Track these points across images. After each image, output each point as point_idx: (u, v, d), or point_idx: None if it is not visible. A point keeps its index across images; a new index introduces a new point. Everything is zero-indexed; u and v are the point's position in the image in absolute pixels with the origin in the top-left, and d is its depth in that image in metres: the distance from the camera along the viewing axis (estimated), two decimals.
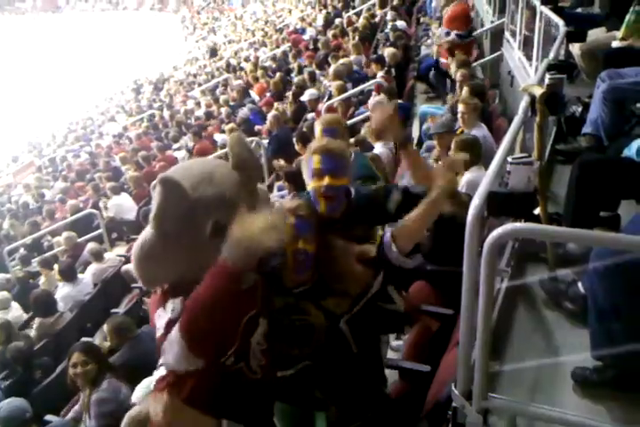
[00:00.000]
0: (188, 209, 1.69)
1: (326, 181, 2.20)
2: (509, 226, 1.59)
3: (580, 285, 2.26)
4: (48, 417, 3.51)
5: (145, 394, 2.75)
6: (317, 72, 10.56)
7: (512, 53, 6.27)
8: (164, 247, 1.70)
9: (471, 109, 4.61)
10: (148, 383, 2.81)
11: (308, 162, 2.26)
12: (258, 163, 2.01)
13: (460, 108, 4.67)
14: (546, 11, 4.82)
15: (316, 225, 2.14)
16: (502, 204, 1.90)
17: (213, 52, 20.92)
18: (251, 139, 8.09)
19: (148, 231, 1.75)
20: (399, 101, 6.76)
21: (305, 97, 8.63)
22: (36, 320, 5.47)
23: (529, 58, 5.35)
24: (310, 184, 2.27)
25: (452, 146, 4.04)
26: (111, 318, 4.41)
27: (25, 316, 6.26)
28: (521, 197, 2.08)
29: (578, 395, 1.88)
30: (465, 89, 5.11)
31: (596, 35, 4.59)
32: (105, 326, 4.12)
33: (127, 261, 6.54)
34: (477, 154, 3.99)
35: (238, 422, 2.03)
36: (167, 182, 1.69)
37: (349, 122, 7.24)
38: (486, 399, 1.77)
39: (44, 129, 21.25)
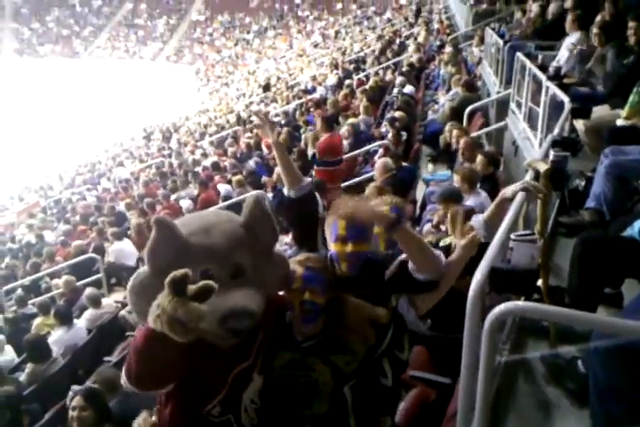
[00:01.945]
0: (180, 252, 1.80)
1: (350, 248, 2.25)
2: (511, 304, 1.61)
3: (580, 363, 2.25)
4: None
5: None
6: None
7: (517, 124, 6.42)
8: (154, 284, 1.75)
9: (467, 177, 4.71)
10: None
11: (333, 225, 2.29)
12: (270, 224, 2.06)
13: (457, 175, 4.79)
14: (551, 86, 4.97)
15: (327, 279, 2.18)
16: (504, 280, 1.92)
17: (267, 87, 20.98)
18: (254, 192, 8.19)
19: (143, 268, 1.87)
20: (404, 164, 6.88)
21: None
22: (29, 365, 5.38)
23: (534, 129, 5.47)
24: (333, 247, 2.31)
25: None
26: (100, 371, 4.35)
27: (17, 359, 6.18)
28: (523, 274, 2.11)
29: None
30: (479, 157, 5.22)
31: (600, 112, 4.72)
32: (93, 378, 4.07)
33: (124, 307, 6.50)
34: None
35: None
36: (160, 223, 1.81)
37: (355, 180, 7.38)
38: None
39: (52, 171, 21.50)
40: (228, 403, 2.00)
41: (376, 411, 2.41)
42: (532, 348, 2.48)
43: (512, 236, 2.24)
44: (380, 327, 2.23)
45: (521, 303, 1.66)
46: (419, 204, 6.64)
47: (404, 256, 2.24)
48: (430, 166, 7.89)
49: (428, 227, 5.08)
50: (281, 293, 2.24)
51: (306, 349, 2.23)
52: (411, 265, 2.14)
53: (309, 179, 2.77)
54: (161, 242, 1.80)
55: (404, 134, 8.25)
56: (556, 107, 4.94)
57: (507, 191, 2.65)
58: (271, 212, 2.10)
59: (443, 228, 4.91)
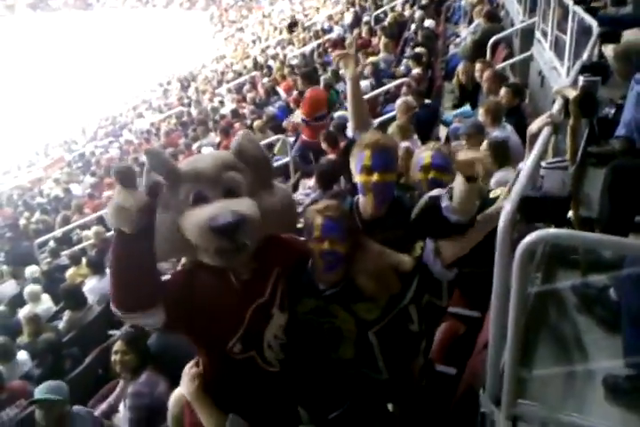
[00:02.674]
0: (172, 180, 1.85)
1: (375, 177, 2.22)
2: (544, 232, 1.57)
3: (612, 291, 2.23)
4: (75, 408, 3.54)
5: None
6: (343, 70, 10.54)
7: (543, 53, 6.20)
8: (156, 218, 1.81)
9: (491, 110, 4.59)
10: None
11: (358, 156, 2.26)
12: (260, 153, 2.09)
13: (481, 109, 4.66)
14: (579, 11, 4.76)
15: (347, 227, 2.15)
16: (536, 209, 1.87)
17: (293, 25, 20.14)
18: (277, 136, 8.10)
19: None
20: (427, 101, 6.73)
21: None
22: (66, 313, 5.54)
23: (561, 58, 5.28)
24: (358, 178, 2.28)
25: (483, 147, 4.01)
26: None
27: (54, 308, 6.38)
28: (555, 201, 2.05)
29: (609, 403, 1.85)
30: (503, 89, 5.06)
31: (629, 35, 4.50)
32: None
33: None
34: (506, 156, 3.96)
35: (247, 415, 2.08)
36: (149, 152, 1.89)
37: (376, 120, 7.24)
38: (515, 406, 1.76)
39: (74, 125, 21.56)
40: (248, 340, 2.03)
41: (405, 354, 2.44)
42: (562, 278, 2.45)
43: (543, 163, 2.17)
44: (404, 278, 2.21)
45: (553, 230, 1.61)
46: (442, 141, 6.54)
47: (434, 192, 2.18)
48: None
49: None
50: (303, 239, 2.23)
51: (328, 297, 2.24)
52: (445, 202, 2.05)
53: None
54: (155, 169, 1.83)
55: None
56: (583, 33, 4.74)
57: (532, 127, 2.55)
58: (264, 149, 2.15)
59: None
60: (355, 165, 2.29)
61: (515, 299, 1.63)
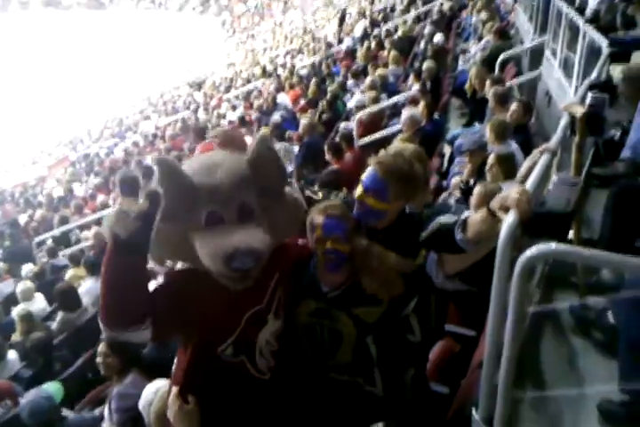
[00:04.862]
0: (186, 193, 1.77)
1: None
2: (545, 246, 1.54)
3: (610, 314, 2.20)
4: (63, 412, 3.51)
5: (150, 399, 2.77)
6: (351, 82, 10.61)
7: (551, 72, 6.20)
8: (161, 226, 1.74)
9: (498, 127, 4.57)
10: (154, 388, 2.82)
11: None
12: (277, 162, 1.99)
13: (488, 126, 4.64)
14: (589, 30, 4.76)
15: (350, 226, 2.14)
16: (538, 224, 1.84)
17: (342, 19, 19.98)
18: (280, 144, 8.10)
19: None
20: (435, 116, 6.73)
21: (352, 103, 8.64)
22: (59, 314, 5.50)
23: (569, 77, 5.28)
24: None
25: (490, 160, 3.99)
26: None
27: (49, 308, 6.33)
28: (558, 217, 2.03)
29: None
30: (514, 104, 5.05)
31: (638, 58, 4.52)
32: None
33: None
34: (512, 169, 3.94)
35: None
36: (162, 163, 1.76)
37: (382, 134, 7.24)
38: None
39: (80, 125, 21.63)
40: (240, 344, 2.01)
41: (401, 365, 2.41)
42: (560, 300, 2.43)
43: (554, 178, 2.15)
44: (407, 283, 2.19)
45: (555, 245, 1.58)
46: (446, 157, 6.53)
47: (444, 218, 2.14)
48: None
49: (455, 180, 4.99)
50: (304, 241, 2.22)
51: (331, 299, 2.23)
52: (459, 235, 1.98)
53: None
54: (165, 182, 1.74)
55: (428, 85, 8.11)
56: (592, 53, 4.74)
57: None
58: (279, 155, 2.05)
59: (472, 181, 4.82)
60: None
61: (512, 315, 1.61)
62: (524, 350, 2.16)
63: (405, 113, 6.10)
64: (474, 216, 1.96)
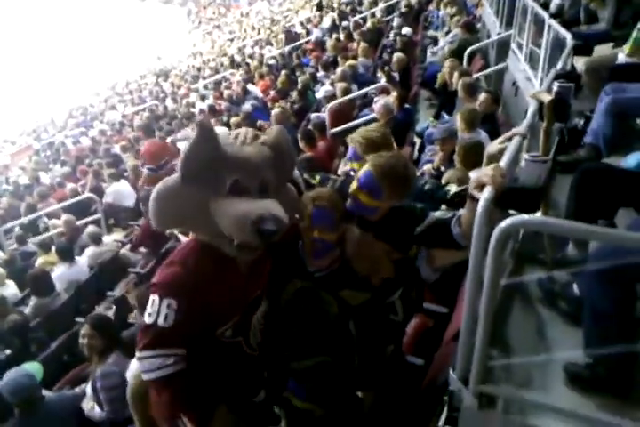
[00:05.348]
0: (215, 159, 1.81)
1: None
2: (518, 218, 1.67)
3: (575, 287, 2.36)
4: (47, 394, 3.55)
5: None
6: (321, 73, 10.71)
7: (518, 65, 6.40)
8: (183, 189, 1.81)
9: (468, 116, 4.74)
10: None
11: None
12: (291, 150, 2.13)
13: (458, 115, 4.81)
14: (554, 24, 4.94)
15: (338, 216, 2.20)
16: (511, 197, 1.97)
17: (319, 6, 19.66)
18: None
19: (172, 176, 1.87)
20: (406, 105, 6.87)
21: (320, 93, 8.74)
22: (32, 299, 5.50)
23: (535, 69, 5.47)
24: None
25: (457, 149, 4.14)
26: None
27: (20, 294, 6.30)
28: (530, 192, 2.17)
29: (569, 388, 1.96)
30: (482, 95, 5.21)
31: (600, 51, 4.71)
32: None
33: (124, 246, 6.61)
34: (479, 157, 4.09)
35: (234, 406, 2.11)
36: (203, 126, 1.80)
37: (353, 123, 7.36)
38: (483, 384, 1.87)
39: (43, 113, 21.21)
40: (239, 327, 2.10)
41: (380, 344, 2.53)
42: (528, 274, 2.58)
43: (525, 156, 2.30)
44: (397, 271, 2.31)
45: (527, 217, 1.72)
46: (417, 146, 6.69)
47: (439, 214, 2.26)
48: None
49: (427, 167, 5.15)
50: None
51: (317, 279, 2.31)
52: (456, 230, 2.14)
53: None
54: (200, 146, 1.79)
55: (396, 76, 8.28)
56: (557, 46, 4.92)
57: (490, 148, 2.52)
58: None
59: (442, 169, 4.98)
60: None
61: (488, 281, 1.73)
62: (496, 319, 2.30)
63: (380, 101, 6.25)
64: (465, 208, 2.08)
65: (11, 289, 6.18)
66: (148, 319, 1.90)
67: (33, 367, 3.81)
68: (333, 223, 2.19)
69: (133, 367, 3.02)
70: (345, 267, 2.30)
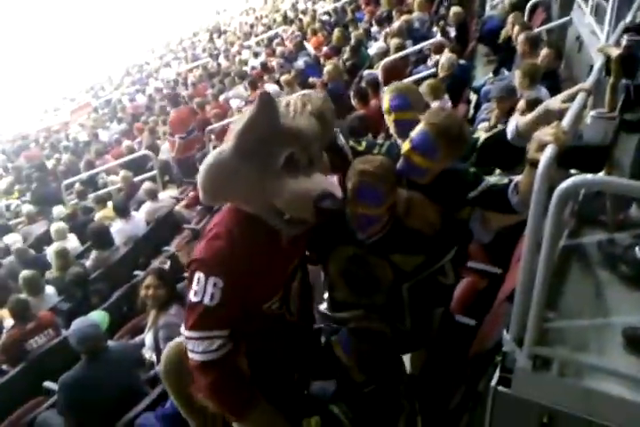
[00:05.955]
0: (272, 133, 1.73)
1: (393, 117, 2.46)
2: (581, 177, 1.61)
3: (637, 249, 2.29)
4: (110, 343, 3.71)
5: None
6: (374, 28, 10.46)
7: (582, 19, 6.10)
8: (237, 163, 1.74)
9: (529, 71, 4.54)
10: None
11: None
12: (334, 120, 2.05)
13: (518, 71, 4.61)
14: None
15: (386, 190, 2.12)
16: (575, 156, 1.89)
17: None
18: (304, 91, 8.06)
19: (226, 145, 1.78)
20: (461, 62, 6.66)
21: (372, 50, 8.56)
22: (93, 252, 5.70)
23: (601, 23, 5.20)
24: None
25: (520, 105, 4.00)
26: None
27: (81, 248, 6.55)
28: (596, 150, 2.08)
29: (628, 352, 1.91)
30: (544, 50, 5.00)
31: None
32: None
33: (179, 202, 6.74)
34: None
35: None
36: (264, 99, 1.70)
37: (409, 80, 7.19)
38: (538, 345, 1.85)
39: (101, 71, 21.54)
40: (285, 297, 2.07)
41: (431, 306, 2.52)
42: (588, 236, 2.51)
43: (592, 112, 2.20)
44: (448, 239, 2.28)
45: (591, 176, 1.65)
46: (473, 104, 6.50)
47: (494, 179, 2.19)
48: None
49: (483, 125, 5.01)
50: None
51: (368, 245, 2.28)
52: (515, 199, 2.07)
53: None
54: (259, 120, 1.71)
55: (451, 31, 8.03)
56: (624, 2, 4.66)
57: (552, 104, 2.31)
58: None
59: (500, 126, 4.83)
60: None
61: (547, 242, 1.69)
62: (553, 281, 2.26)
63: (444, 56, 6.12)
64: (521, 177, 2.02)
65: (72, 242, 6.42)
66: (194, 297, 1.84)
67: (100, 316, 3.98)
68: (380, 199, 2.12)
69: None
70: (396, 230, 2.26)
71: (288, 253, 2.04)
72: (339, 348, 2.24)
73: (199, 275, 1.83)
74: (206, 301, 1.81)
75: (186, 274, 2.05)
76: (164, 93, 12.85)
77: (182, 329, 1.91)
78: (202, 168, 1.78)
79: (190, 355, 1.89)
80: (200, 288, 1.82)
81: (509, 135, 2.29)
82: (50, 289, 5.27)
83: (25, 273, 5.07)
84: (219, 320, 1.86)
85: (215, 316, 1.84)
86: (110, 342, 3.64)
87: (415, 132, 2.22)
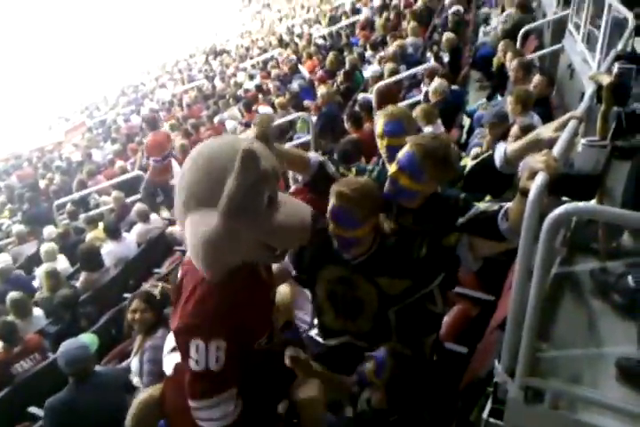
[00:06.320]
0: (256, 181, 1.60)
1: (385, 142, 2.47)
2: (572, 205, 1.60)
3: (630, 278, 2.27)
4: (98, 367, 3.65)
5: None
6: (369, 53, 10.57)
7: (574, 46, 6.17)
8: (232, 227, 1.62)
9: (522, 98, 4.58)
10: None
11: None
12: (275, 135, 2.04)
13: (510, 97, 4.65)
14: (615, 4, 4.73)
15: (360, 215, 2.11)
16: (567, 184, 1.89)
17: None
18: (298, 114, 8.10)
19: (208, 216, 1.63)
20: (453, 87, 6.72)
21: (367, 73, 8.64)
22: (82, 274, 5.64)
23: (592, 51, 5.26)
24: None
25: (513, 131, 4.01)
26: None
27: (71, 269, 6.49)
28: (588, 178, 2.08)
29: (621, 384, 1.89)
30: (537, 77, 5.05)
31: None
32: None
33: (171, 223, 6.70)
34: None
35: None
36: (248, 155, 1.56)
37: (402, 104, 7.24)
38: (530, 376, 1.82)
39: (96, 91, 21.65)
40: (271, 332, 2.02)
41: (419, 333, 2.49)
42: (580, 264, 2.50)
43: (583, 140, 2.20)
44: (437, 265, 2.26)
45: (582, 204, 1.64)
46: (465, 129, 6.55)
47: (485, 206, 2.18)
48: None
49: (475, 150, 5.03)
50: None
51: (354, 266, 2.28)
52: (504, 225, 2.05)
53: None
54: (248, 181, 1.57)
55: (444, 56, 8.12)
56: (616, 27, 4.72)
57: (543, 134, 2.27)
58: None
59: (486, 153, 4.84)
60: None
61: (538, 270, 1.68)
62: (545, 310, 2.24)
63: (435, 81, 6.17)
64: (511, 204, 2.01)
65: (62, 264, 6.37)
66: (196, 367, 1.69)
67: (89, 338, 3.92)
68: (356, 222, 2.12)
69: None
70: (383, 252, 2.25)
71: (268, 283, 2.00)
72: (371, 367, 2.19)
73: (197, 342, 1.69)
74: (212, 366, 1.70)
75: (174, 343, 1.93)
76: (142, 115, 12.83)
77: (190, 402, 1.76)
78: (197, 250, 1.65)
79: (206, 424, 1.76)
80: (201, 356, 1.70)
81: (498, 163, 2.30)
82: (38, 311, 5.20)
83: (12, 295, 5.00)
84: (229, 379, 1.77)
85: (224, 377, 1.74)
86: (98, 367, 3.58)
87: (401, 153, 2.22)
